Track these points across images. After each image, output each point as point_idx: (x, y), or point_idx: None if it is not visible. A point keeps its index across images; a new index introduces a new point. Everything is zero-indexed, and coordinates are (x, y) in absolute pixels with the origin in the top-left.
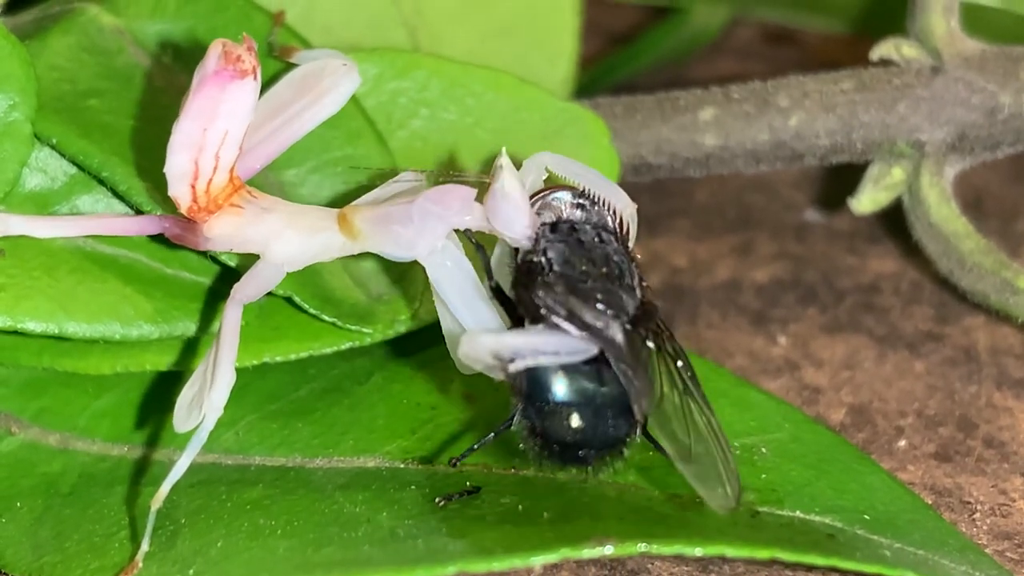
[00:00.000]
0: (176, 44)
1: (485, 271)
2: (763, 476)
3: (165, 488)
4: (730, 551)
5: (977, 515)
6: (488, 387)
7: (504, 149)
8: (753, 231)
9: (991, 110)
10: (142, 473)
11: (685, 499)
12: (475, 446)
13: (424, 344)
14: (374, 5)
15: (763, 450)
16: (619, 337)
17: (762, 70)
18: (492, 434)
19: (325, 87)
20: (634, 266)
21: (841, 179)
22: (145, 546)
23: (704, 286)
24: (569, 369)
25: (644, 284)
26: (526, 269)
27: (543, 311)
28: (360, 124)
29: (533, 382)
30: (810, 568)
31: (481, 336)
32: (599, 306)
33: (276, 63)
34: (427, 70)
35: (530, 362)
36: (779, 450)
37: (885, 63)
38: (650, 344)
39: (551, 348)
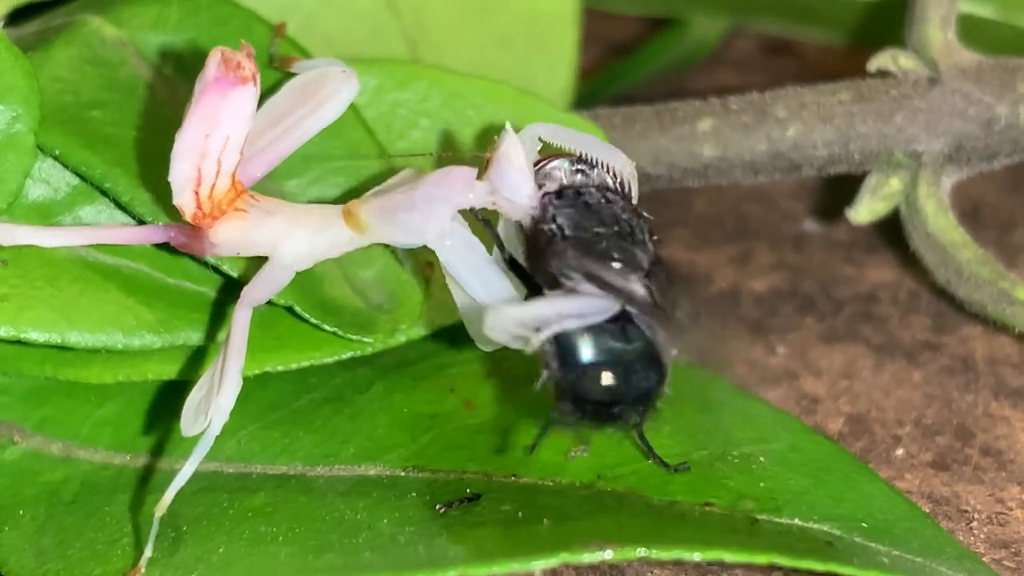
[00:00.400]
0: (178, 56)
1: (496, 245)
2: (762, 484)
3: (169, 494)
4: (728, 556)
5: (974, 524)
6: (488, 395)
7: (507, 122)
8: (751, 241)
9: (988, 121)
10: (144, 481)
11: (684, 505)
12: (539, 437)
13: (425, 353)
14: (374, 16)
15: (762, 459)
16: (639, 290)
17: (760, 81)
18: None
19: (325, 94)
20: (642, 222)
21: (839, 189)
22: (148, 552)
23: (703, 296)
24: (594, 329)
25: (655, 238)
26: (539, 238)
27: (561, 277)
28: (360, 135)
29: (562, 347)
30: (808, 575)
31: (506, 308)
32: (616, 264)
33: (277, 73)
34: (427, 81)
35: (556, 328)
36: (778, 459)
37: (882, 74)
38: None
39: (576, 311)
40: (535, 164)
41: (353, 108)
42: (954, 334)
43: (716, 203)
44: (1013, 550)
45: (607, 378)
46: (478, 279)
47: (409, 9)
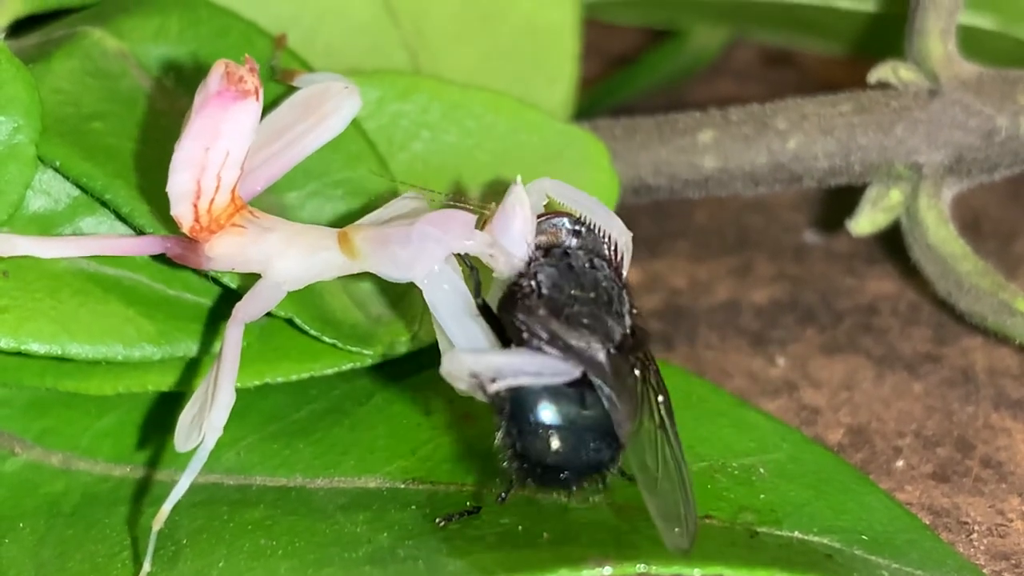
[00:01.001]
0: (179, 68)
1: (474, 290)
2: (762, 496)
3: (166, 508)
4: (729, 571)
5: (975, 535)
6: (487, 408)
7: (519, 177)
8: (752, 252)
9: (988, 133)
10: (144, 493)
11: None
12: (508, 491)
13: (424, 365)
14: (375, 28)
15: (761, 470)
16: (602, 359)
17: (761, 92)
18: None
19: (327, 110)
20: (625, 293)
21: (839, 201)
22: (147, 566)
23: (703, 307)
24: (552, 391)
25: (635, 312)
26: (512, 291)
27: (524, 333)
28: (361, 147)
29: (515, 403)
30: None
31: (461, 354)
32: (583, 330)
33: (278, 86)
34: (428, 93)
35: (511, 382)
36: (778, 470)
37: (883, 86)
38: (636, 372)
39: (533, 369)
40: (537, 217)
41: (354, 121)
42: (955, 345)
43: (717, 214)
44: (1013, 562)
45: (556, 441)
46: (457, 324)
47: (410, 20)
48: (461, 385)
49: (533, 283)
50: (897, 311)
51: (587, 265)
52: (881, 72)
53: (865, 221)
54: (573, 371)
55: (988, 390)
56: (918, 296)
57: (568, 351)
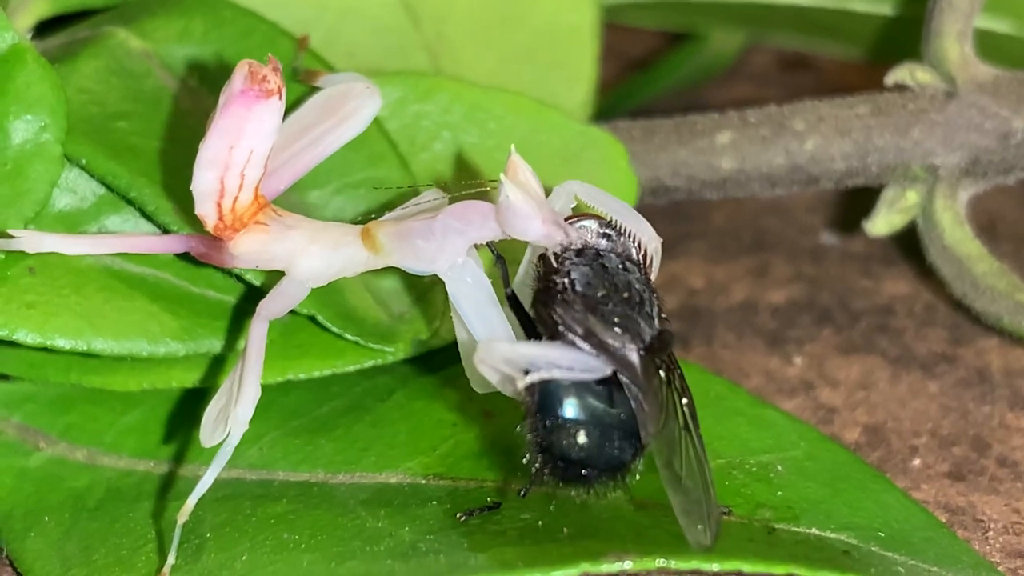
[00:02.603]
0: (203, 68)
1: (503, 281)
2: (779, 493)
3: (191, 502)
4: (747, 567)
5: (990, 533)
6: (507, 405)
7: (513, 151)
8: (769, 253)
9: (1004, 135)
10: (168, 488)
11: None
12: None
13: (445, 362)
14: (396, 29)
15: (779, 468)
16: (634, 359)
17: (777, 95)
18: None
19: (349, 110)
20: (655, 297)
21: (856, 202)
22: (171, 559)
23: (721, 307)
24: (580, 387)
25: (664, 316)
26: (548, 286)
27: (561, 328)
28: (383, 147)
29: (544, 396)
30: None
31: (497, 344)
32: (616, 329)
33: (300, 87)
34: (449, 93)
35: (544, 374)
36: (795, 468)
37: (900, 88)
38: (662, 374)
39: (566, 363)
40: (566, 219)
41: (376, 121)
42: (970, 346)
43: (734, 216)
44: None
45: (582, 437)
46: (479, 316)
47: (430, 22)
48: (492, 376)
49: (567, 280)
50: (913, 312)
51: (620, 267)
52: (898, 74)
53: (881, 222)
54: (604, 368)
55: (1004, 390)
56: (934, 297)
57: (602, 348)
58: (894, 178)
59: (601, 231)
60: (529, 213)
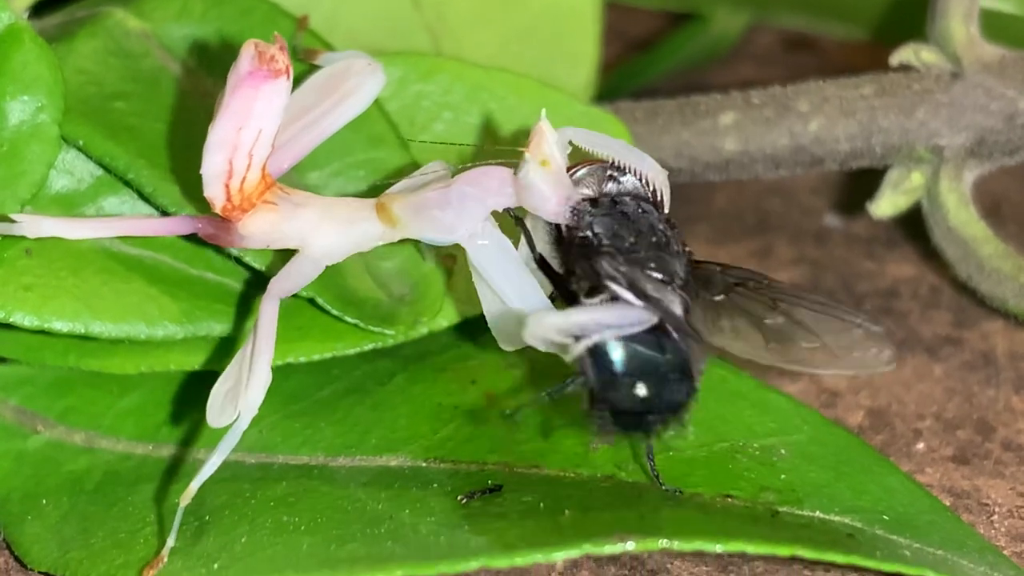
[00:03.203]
0: (202, 48)
1: (528, 244)
2: (783, 477)
3: (195, 485)
4: (750, 548)
5: (995, 517)
6: (508, 387)
7: (543, 117)
8: (772, 236)
9: (1010, 115)
10: (166, 471)
11: (705, 497)
12: (528, 403)
13: (446, 345)
14: (397, 10)
15: (783, 451)
16: (676, 305)
17: (781, 76)
18: (547, 393)
19: (351, 87)
20: (676, 232)
21: (860, 184)
22: (171, 542)
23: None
24: (631, 339)
25: (688, 248)
26: (575, 245)
27: (606, 281)
28: (382, 128)
29: (598, 356)
30: (829, 567)
31: (547, 316)
32: (654, 275)
33: (300, 65)
34: (450, 74)
35: (597, 337)
36: (798, 451)
37: (905, 68)
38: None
39: (615, 321)
40: (568, 168)
41: (376, 101)
42: (975, 329)
43: (737, 198)
44: None
45: (641, 388)
46: (507, 281)
47: (431, 3)
48: (539, 345)
49: (590, 234)
50: (917, 294)
51: (639, 210)
52: (903, 55)
53: (886, 204)
54: (651, 318)
55: (1008, 373)
56: (938, 279)
57: (646, 299)
58: (899, 159)
59: (607, 175)
60: (546, 194)
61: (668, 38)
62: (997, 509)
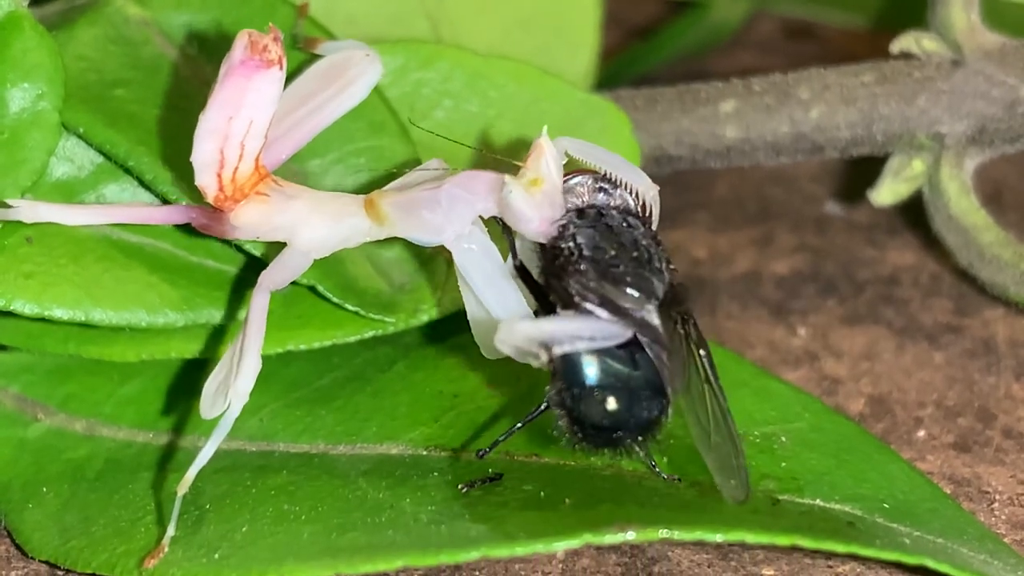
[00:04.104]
0: (202, 35)
1: (511, 251)
2: (783, 464)
3: (191, 473)
4: (750, 537)
5: (996, 505)
6: (509, 375)
7: (544, 134)
8: (773, 223)
9: (1011, 103)
10: (167, 459)
11: (705, 486)
12: (502, 437)
13: (446, 333)
14: None
15: (783, 439)
16: (652, 320)
17: (782, 64)
18: (519, 424)
19: (349, 78)
20: (661, 249)
21: (861, 171)
22: (171, 531)
23: (724, 277)
24: (603, 353)
25: (672, 267)
26: (555, 255)
27: (576, 298)
28: (383, 115)
29: (569, 367)
30: (829, 555)
31: (518, 323)
32: (630, 290)
33: (300, 54)
34: (450, 61)
35: (567, 348)
36: (799, 439)
37: (905, 56)
38: (680, 329)
39: (587, 334)
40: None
41: (376, 89)
42: (976, 316)
43: (738, 185)
44: None
45: (611, 403)
46: (490, 286)
47: None
48: (511, 352)
49: (572, 245)
50: (918, 282)
51: (623, 224)
52: (904, 42)
53: (887, 191)
54: (625, 333)
55: (1009, 360)
56: (939, 267)
57: (620, 313)
58: (899, 147)
59: (597, 186)
60: (527, 215)
61: (669, 25)
62: (998, 497)
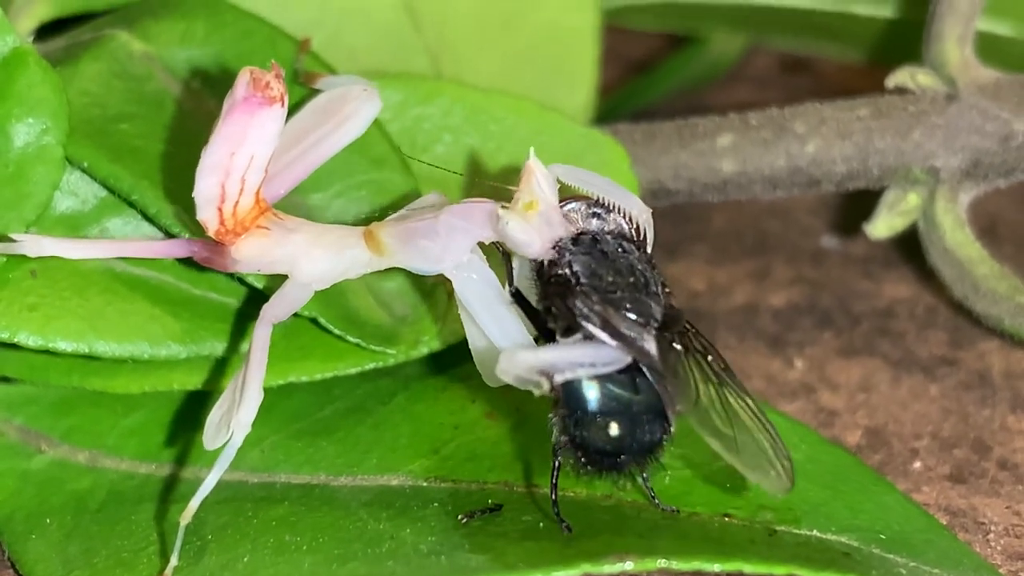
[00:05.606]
0: (205, 70)
1: (507, 278)
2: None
3: (194, 504)
4: (748, 567)
5: (991, 536)
6: (508, 407)
7: (532, 155)
8: (770, 256)
9: (1005, 137)
10: (170, 490)
11: (703, 516)
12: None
13: (446, 364)
14: (398, 32)
15: None
16: (651, 345)
17: (778, 98)
18: (554, 472)
19: (347, 112)
20: (656, 272)
21: (857, 205)
22: (174, 561)
23: (722, 310)
24: (604, 379)
25: (667, 290)
26: (556, 281)
27: (580, 320)
28: (384, 149)
29: (571, 395)
30: None
31: (519, 353)
32: (630, 315)
33: (301, 89)
34: (450, 96)
35: (569, 375)
36: (796, 470)
37: (900, 91)
38: (677, 346)
39: (589, 360)
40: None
41: (377, 123)
42: (971, 349)
43: (735, 218)
44: None
45: (614, 428)
46: (489, 313)
47: (432, 25)
48: (512, 381)
49: (569, 272)
50: (914, 315)
51: (618, 249)
52: (899, 77)
53: (882, 225)
54: (624, 358)
55: (1005, 393)
56: (935, 300)
57: (619, 338)
58: (895, 180)
59: (591, 212)
60: (527, 241)
61: (667, 60)
62: (993, 528)
